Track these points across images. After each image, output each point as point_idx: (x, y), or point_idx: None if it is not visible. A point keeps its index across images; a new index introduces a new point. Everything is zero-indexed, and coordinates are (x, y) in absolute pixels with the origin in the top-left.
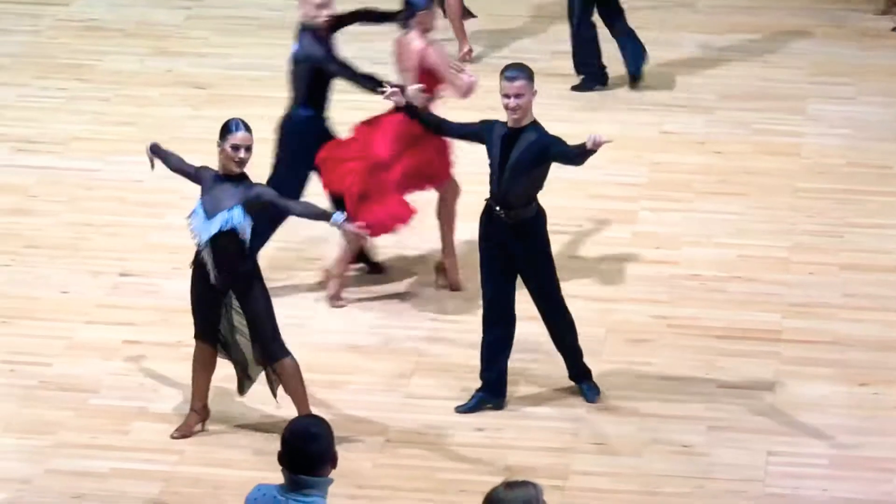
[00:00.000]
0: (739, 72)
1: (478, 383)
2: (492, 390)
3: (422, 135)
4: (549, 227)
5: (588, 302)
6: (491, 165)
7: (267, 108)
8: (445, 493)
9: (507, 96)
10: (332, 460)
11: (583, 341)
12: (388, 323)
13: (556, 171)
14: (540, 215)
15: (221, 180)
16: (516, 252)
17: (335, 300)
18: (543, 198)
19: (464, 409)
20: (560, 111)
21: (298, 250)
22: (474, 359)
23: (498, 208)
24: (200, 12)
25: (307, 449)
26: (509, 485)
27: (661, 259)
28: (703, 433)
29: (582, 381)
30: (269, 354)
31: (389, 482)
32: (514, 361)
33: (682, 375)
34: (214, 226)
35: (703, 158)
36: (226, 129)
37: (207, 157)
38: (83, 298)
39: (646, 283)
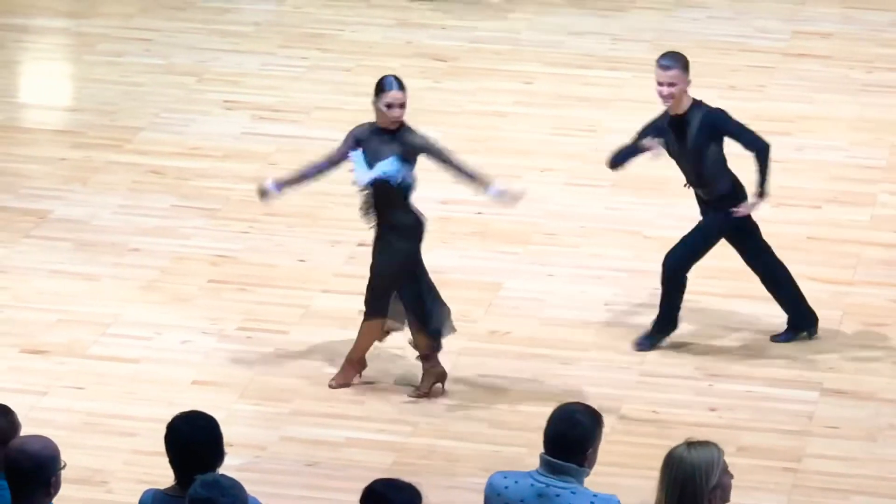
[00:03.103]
0: None
1: (709, 361)
2: (796, 323)
3: None
4: (788, 209)
5: (825, 284)
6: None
7: (507, 81)
8: None
9: (660, 84)
10: (589, 455)
11: (821, 323)
12: (625, 300)
13: (796, 152)
14: (736, 188)
15: (380, 132)
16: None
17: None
18: (781, 177)
19: (779, 340)
20: (799, 91)
21: (534, 224)
22: (714, 338)
23: (697, 190)
24: None
25: (567, 433)
26: (691, 444)
27: None
28: None
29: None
30: (367, 304)
31: (621, 459)
32: (749, 342)
33: None
34: (373, 173)
35: None
36: (380, 88)
37: (447, 129)
38: (321, 267)
39: (884, 266)
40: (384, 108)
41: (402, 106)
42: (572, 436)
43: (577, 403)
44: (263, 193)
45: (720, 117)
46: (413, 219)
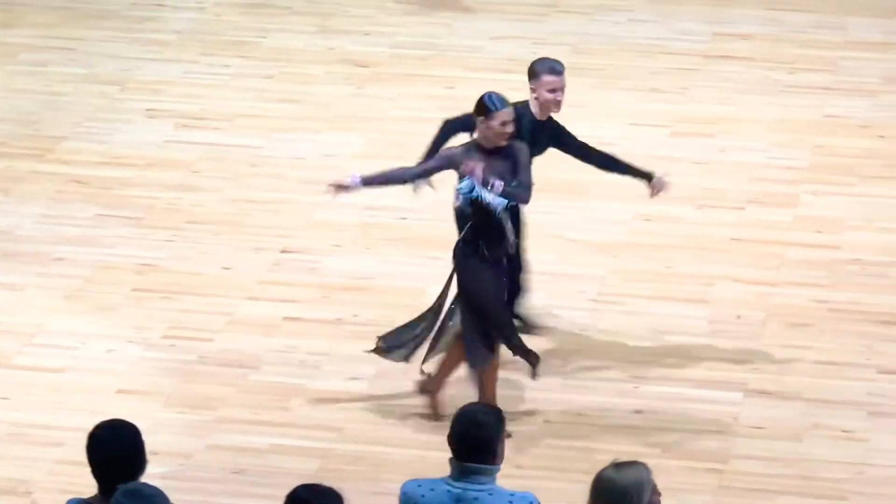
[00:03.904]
0: None
1: (636, 365)
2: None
3: None
4: (711, 210)
5: (748, 285)
6: None
7: (430, 87)
8: None
9: (560, 90)
10: (499, 452)
11: (742, 325)
12: (549, 303)
13: (718, 154)
14: None
15: (487, 151)
16: None
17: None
18: (704, 178)
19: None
20: (721, 93)
21: None
22: (638, 340)
23: None
24: None
25: (475, 435)
26: (619, 465)
27: (822, 243)
28: (864, 419)
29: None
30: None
31: (546, 462)
32: (674, 343)
33: (843, 360)
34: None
35: (866, 142)
36: (485, 108)
37: (371, 134)
38: (245, 275)
39: (807, 267)
40: (498, 126)
41: (514, 122)
42: (479, 437)
43: (476, 404)
44: (342, 187)
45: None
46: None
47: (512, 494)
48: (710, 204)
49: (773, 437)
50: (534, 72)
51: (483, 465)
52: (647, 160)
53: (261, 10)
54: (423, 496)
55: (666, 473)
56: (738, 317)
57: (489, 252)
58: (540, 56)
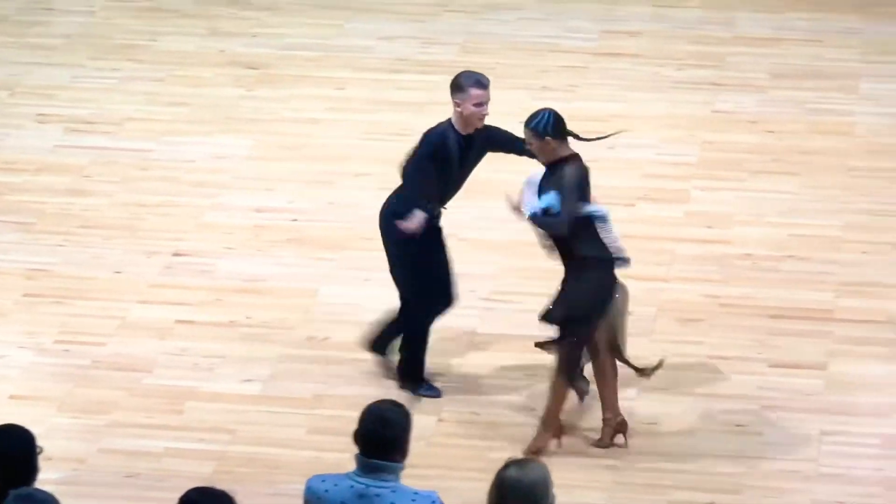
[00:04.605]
0: (792, 50)
1: (529, 361)
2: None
3: None
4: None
5: (640, 282)
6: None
7: (319, 87)
8: None
9: (485, 104)
10: (405, 450)
11: (634, 321)
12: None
13: (608, 151)
14: None
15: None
16: None
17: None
18: (595, 176)
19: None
20: (611, 90)
21: (349, 229)
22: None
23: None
24: None
25: (382, 432)
26: (519, 464)
27: (712, 238)
28: (756, 413)
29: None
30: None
31: (442, 461)
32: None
33: (735, 355)
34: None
35: (755, 137)
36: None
37: (261, 136)
38: (137, 278)
39: (697, 262)
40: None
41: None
42: (386, 434)
43: (384, 401)
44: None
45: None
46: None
47: (416, 493)
48: (601, 201)
49: (667, 433)
50: (459, 85)
51: (388, 463)
52: None
53: (150, 14)
54: (326, 491)
55: (561, 470)
56: (630, 313)
57: None
58: (463, 71)
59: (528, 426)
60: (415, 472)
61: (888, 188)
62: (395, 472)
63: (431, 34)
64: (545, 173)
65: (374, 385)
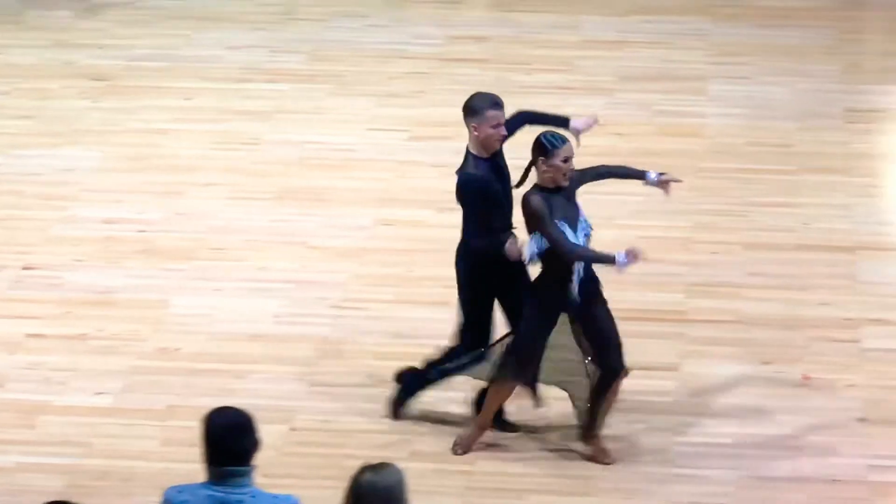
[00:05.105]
0: (640, 53)
1: (380, 368)
2: None
3: None
4: (452, 213)
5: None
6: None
7: (167, 98)
8: None
9: (502, 125)
10: (253, 454)
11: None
12: (293, 311)
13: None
14: None
15: (552, 192)
16: None
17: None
18: (446, 181)
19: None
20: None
21: (199, 239)
22: (384, 345)
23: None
24: (100, 2)
25: (240, 441)
26: (374, 468)
27: None
28: (611, 415)
29: None
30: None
31: (296, 470)
32: (419, 347)
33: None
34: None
35: (604, 140)
36: (546, 149)
37: (108, 148)
38: None
39: None
40: (560, 164)
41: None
42: (235, 440)
43: (225, 408)
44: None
45: None
46: None
47: (275, 497)
48: (451, 207)
49: (518, 436)
50: (474, 108)
51: (239, 468)
52: (386, 164)
53: None
54: (184, 501)
55: (414, 476)
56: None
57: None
58: (475, 93)
59: (383, 432)
60: (268, 482)
61: (736, 188)
62: (249, 476)
63: (279, 43)
64: (559, 195)
65: (226, 396)
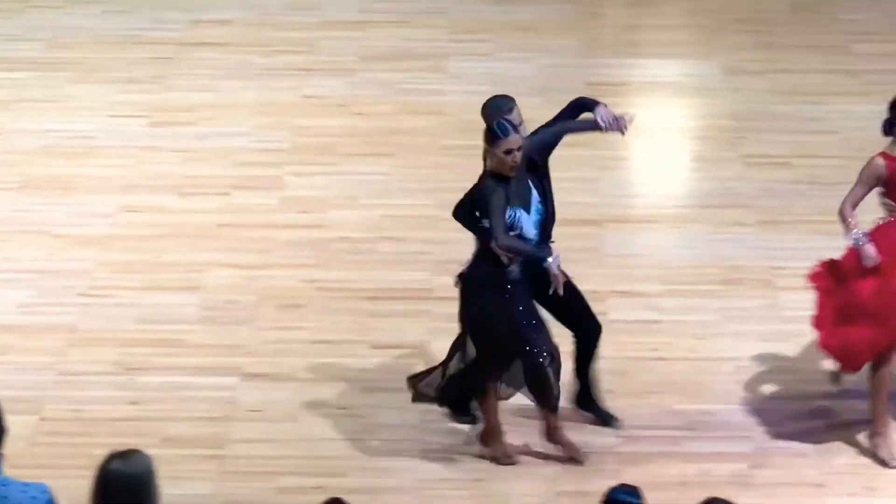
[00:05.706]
0: (380, 32)
1: (129, 356)
2: None
3: None
4: (196, 198)
5: (239, 270)
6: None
7: None
8: None
9: (517, 149)
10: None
11: (234, 310)
12: (39, 301)
13: (199, 141)
14: None
15: (504, 179)
16: None
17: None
18: (185, 167)
19: None
20: (199, 80)
21: None
22: (129, 332)
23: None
24: None
25: None
26: (121, 456)
27: (308, 223)
28: (360, 395)
29: None
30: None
31: (46, 461)
32: (164, 333)
33: (337, 339)
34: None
35: (346, 121)
36: (490, 137)
37: None
38: None
39: (294, 247)
40: (503, 155)
41: (521, 149)
42: None
43: None
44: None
45: None
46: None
47: (26, 485)
48: (195, 192)
49: (272, 420)
50: (490, 132)
51: None
52: (128, 151)
53: None
54: None
55: (166, 463)
56: (230, 302)
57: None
58: (491, 112)
59: (133, 420)
60: (18, 473)
61: (480, 166)
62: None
63: (16, 30)
64: (511, 182)
65: None
